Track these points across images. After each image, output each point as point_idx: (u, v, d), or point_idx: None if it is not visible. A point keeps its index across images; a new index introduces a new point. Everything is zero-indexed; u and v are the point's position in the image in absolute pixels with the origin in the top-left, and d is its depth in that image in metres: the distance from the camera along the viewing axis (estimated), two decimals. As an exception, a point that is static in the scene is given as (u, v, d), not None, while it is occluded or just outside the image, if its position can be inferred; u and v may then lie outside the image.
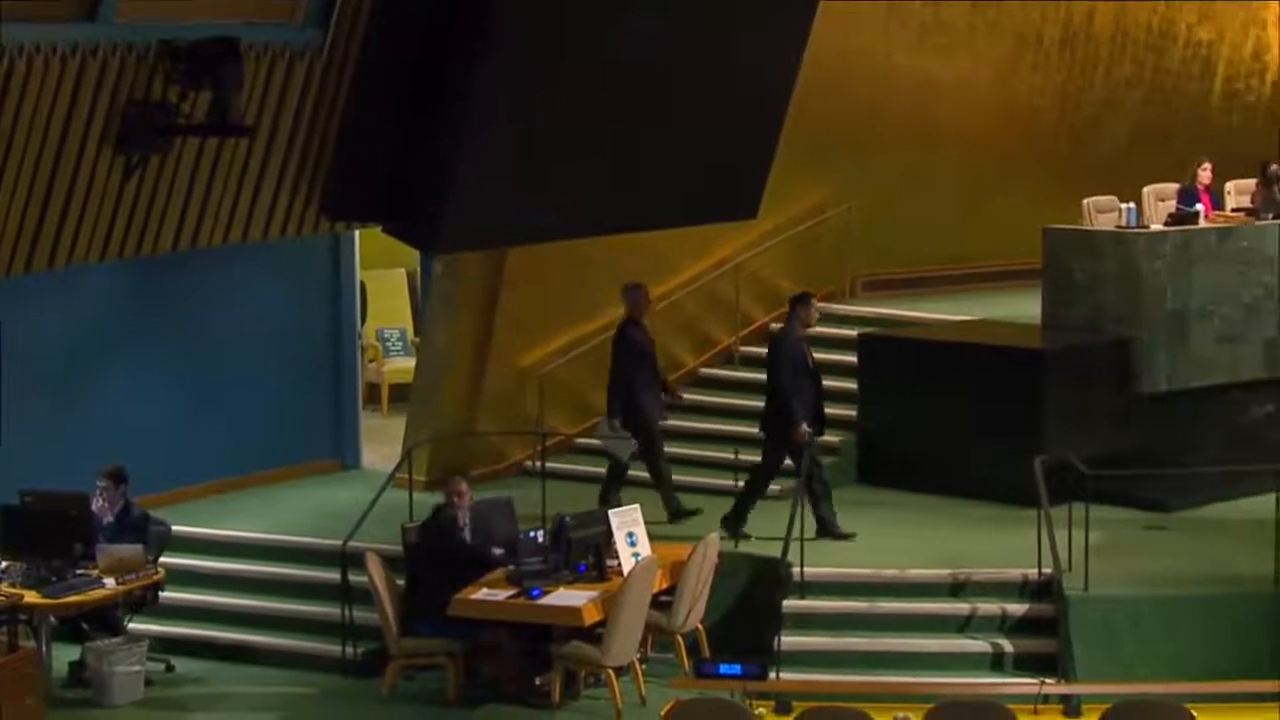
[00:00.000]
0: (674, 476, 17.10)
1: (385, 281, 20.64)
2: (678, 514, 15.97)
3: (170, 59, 12.32)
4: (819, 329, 18.97)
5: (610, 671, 13.81)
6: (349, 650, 14.91)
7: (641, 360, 16.10)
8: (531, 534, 14.53)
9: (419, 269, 20.35)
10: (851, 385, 17.61)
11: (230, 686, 14.69)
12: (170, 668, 14.94)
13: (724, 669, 11.87)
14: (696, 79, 15.00)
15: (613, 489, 16.17)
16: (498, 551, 14.48)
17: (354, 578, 14.81)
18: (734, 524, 15.46)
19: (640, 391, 16.05)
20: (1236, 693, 12.19)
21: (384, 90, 13.68)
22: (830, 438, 17.40)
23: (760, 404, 16.13)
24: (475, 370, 17.83)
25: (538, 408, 17.70)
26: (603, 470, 17.41)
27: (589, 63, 14.25)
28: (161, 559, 14.84)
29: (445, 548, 14.40)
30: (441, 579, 14.15)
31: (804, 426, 15.32)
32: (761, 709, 11.69)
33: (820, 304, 19.24)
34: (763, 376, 18.46)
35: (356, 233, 17.98)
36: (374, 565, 14.26)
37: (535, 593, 13.97)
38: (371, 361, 20.19)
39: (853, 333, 18.11)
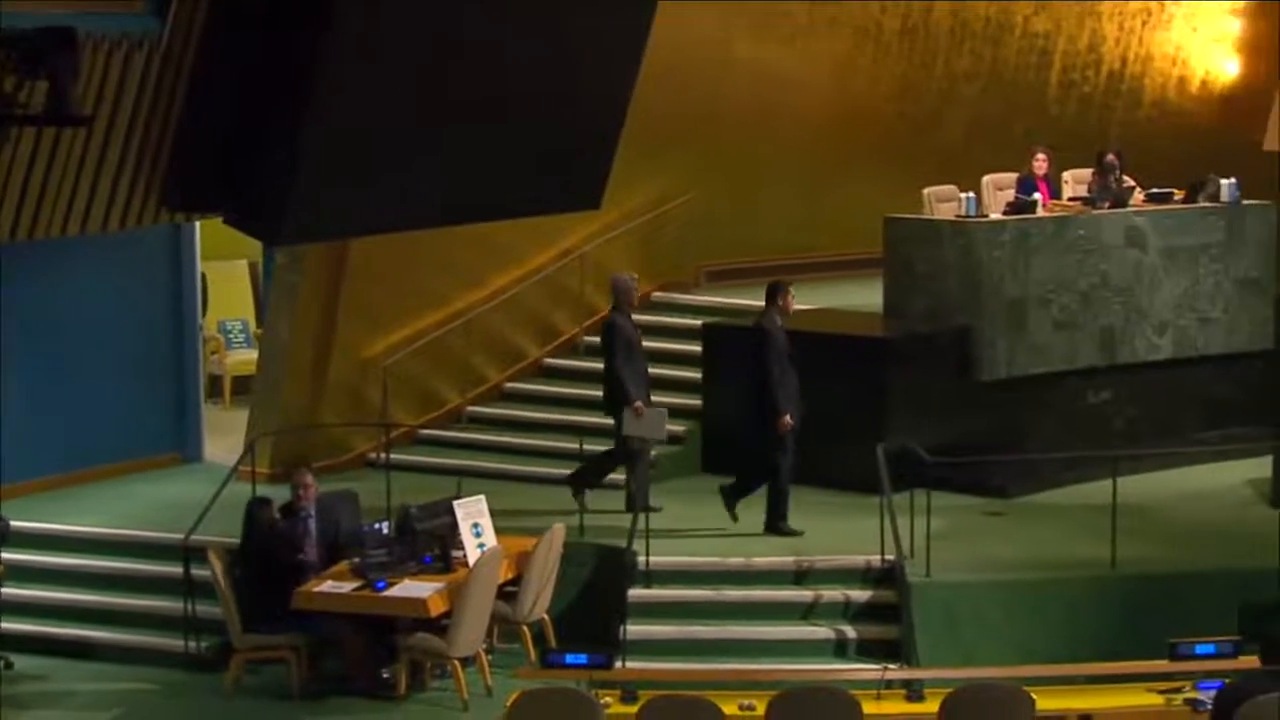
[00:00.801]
0: (520, 468, 17.16)
1: (227, 273, 20.47)
2: (645, 509, 15.89)
3: (5, 47, 12.15)
4: (663, 319, 19.11)
5: (456, 662, 13.79)
6: (192, 645, 14.79)
7: (629, 349, 15.96)
8: (376, 526, 14.48)
9: (261, 260, 20.19)
10: (696, 375, 17.68)
11: (72, 683, 14.52)
12: (9, 665, 14.75)
13: (570, 659, 11.87)
14: (538, 70, 15.00)
15: (639, 487, 15.78)
16: (311, 556, 14.36)
17: (196, 572, 14.69)
18: (775, 520, 15.43)
19: (631, 379, 15.82)
20: (1075, 675, 12.35)
21: (224, 80, 13.57)
22: (675, 427, 17.47)
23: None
24: (318, 362, 17.72)
25: (382, 399, 17.63)
26: (446, 461, 17.39)
27: (431, 54, 14.20)
28: (0, 554, 14.64)
29: (259, 551, 14.30)
30: (272, 576, 14.09)
31: (787, 418, 15.26)
32: (608, 698, 11.72)
33: (663, 294, 19.43)
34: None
35: (197, 224, 17.82)
36: (216, 559, 14.15)
37: (380, 585, 13.91)
38: (213, 353, 20.02)
39: (697, 322, 18.17)
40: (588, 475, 15.85)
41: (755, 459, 15.49)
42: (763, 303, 16.43)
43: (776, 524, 15.40)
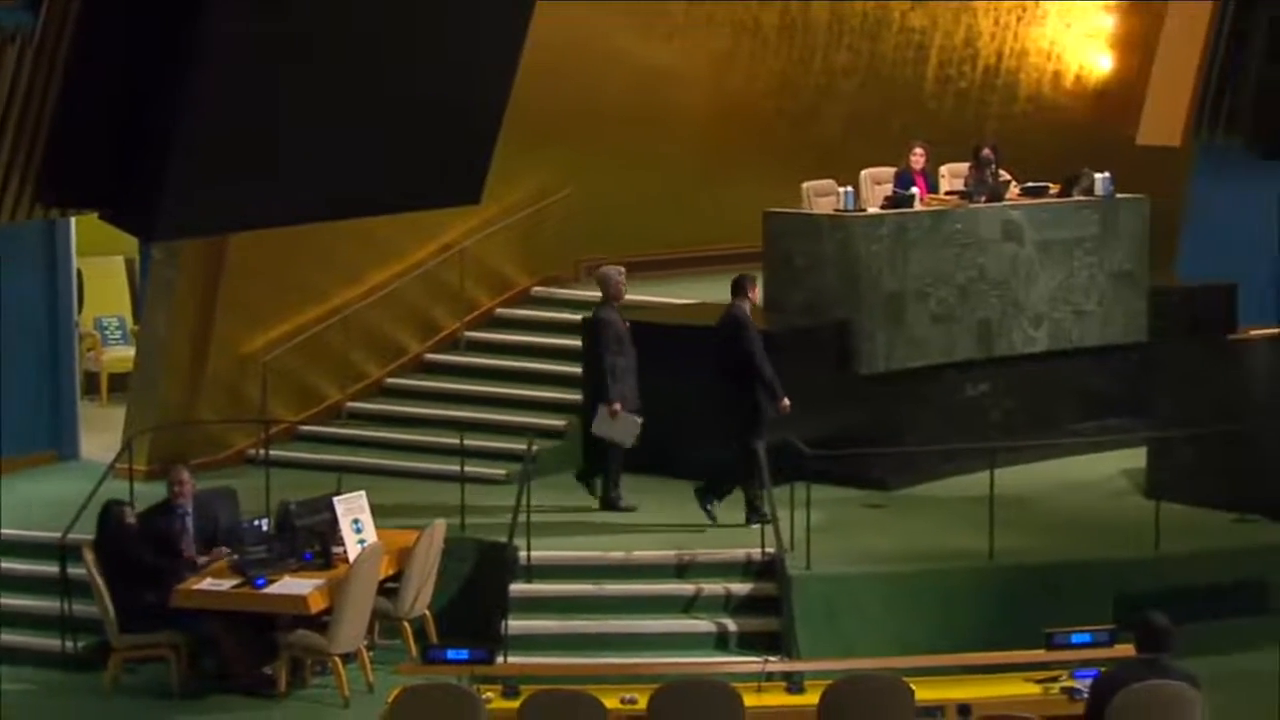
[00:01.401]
0: (401, 464, 17.13)
1: (103, 269, 20.27)
2: (613, 506, 15.85)
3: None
4: (544, 314, 19.12)
5: (337, 659, 13.74)
6: (69, 644, 14.65)
7: (619, 344, 15.85)
8: (255, 523, 14.40)
9: (138, 256, 20.02)
10: (576, 369, 17.68)
11: (-54, 684, 14.37)
12: (-117, 666, 14.58)
13: (451, 654, 11.85)
14: (418, 65, 14.96)
15: (612, 483, 15.82)
16: (188, 553, 14.26)
17: (73, 571, 14.55)
18: (754, 515, 15.36)
19: (620, 377, 15.73)
20: (953, 666, 12.44)
21: (98, 75, 13.45)
22: (556, 422, 17.50)
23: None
24: (196, 358, 17.61)
25: (261, 395, 17.53)
26: (326, 457, 17.32)
27: (309, 49, 14.14)
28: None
29: (113, 552, 14.18)
30: (134, 576, 14.00)
31: (786, 401, 15.28)
32: (489, 693, 11.70)
33: (544, 288, 19.42)
34: (494, 361, 18.54)
35: (73, 220, 17.65)
36: (92, 558, 14.02)
37: (260, 582, 13.84)
38: (90, 350, 19.83)
39: (577, 317, 18.16)
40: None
41: (727, 456, 15.41)
42: (644, 298, 16.50)
43: (761, 511, 15.37)
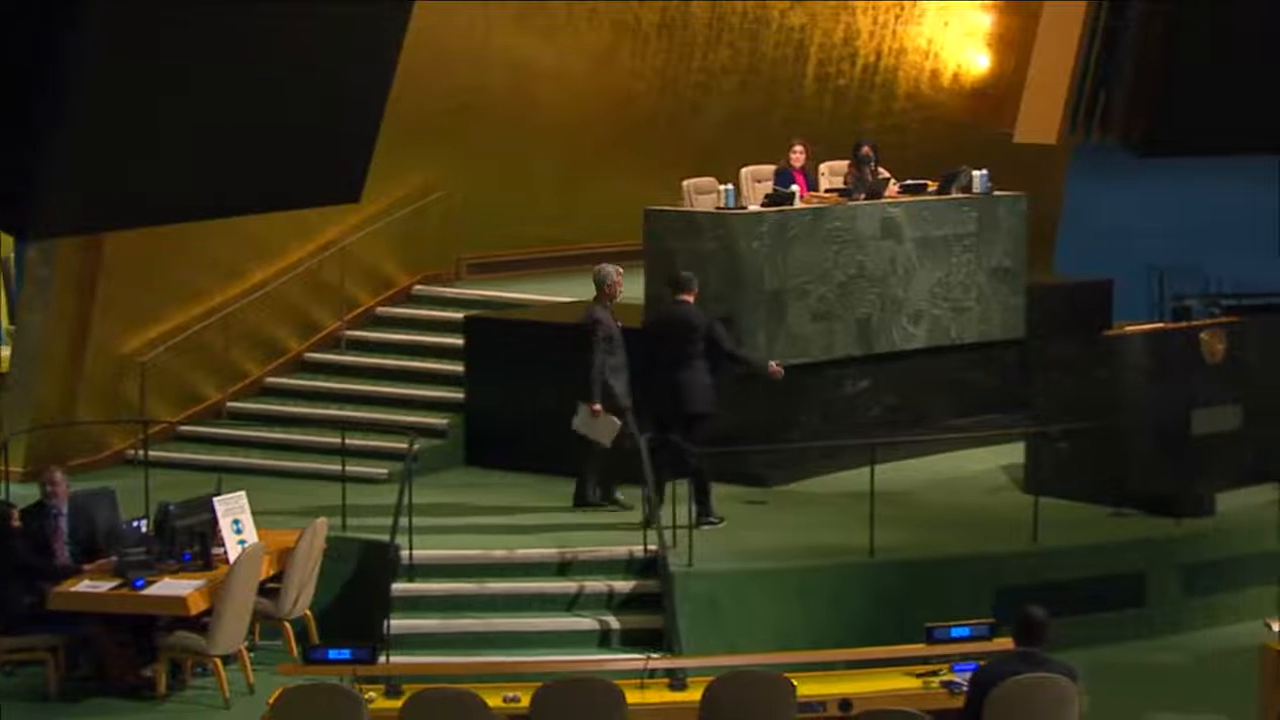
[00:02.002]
0: (282, 463, 17.05)
1: (-23, 268, 20.10)
2: (585, 503, 15.75)
3: None
4: (425, 312, 19.08)
5: (217, 660, 13.65)
6: (-56, 649, 14.48)
7: (609, 343, 15.69)
8: (134, 524, 14.28)
9: (12, 255, 19.82)
10: (458, 368, 17.67)
11: None
12: None
13: (333, 654, 11.81)
14: (296, 62, 14.86)
15: (590, 483, 15.73)
16: (62, 556, 14.13)
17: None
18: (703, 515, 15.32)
19: (609, 376, 15.56)
20: (835, 661, 12.51)
21: (-30, 72, 13.28)
22: (437, 420, 17.46)
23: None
24: (74, 359, 17.45)
25: (139, 396, 17.39)
26: (206, 458, 17.22)
27: (186, 45, 14.02)
28: None
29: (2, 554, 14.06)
30: (15, 577, 13.87)
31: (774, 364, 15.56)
32: (372, 693, 11.66)
33: (425, 287, 19.39)
34: (375, 360, 18.48)
35: (-54, 219, 17.44)
36: (-30, 560, 13.88)
37: (139, 583, 13.72)
38: (-36, 351, 19.63)
39: (459, 315, 18.15)
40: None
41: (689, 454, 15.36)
42: (526, 296, 16.44)
43: (711, 512, 15.38)
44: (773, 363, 15.62)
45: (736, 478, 16.31)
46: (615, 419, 15.48)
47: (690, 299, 15.53)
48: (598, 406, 15.43)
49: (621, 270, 16.01)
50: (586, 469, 15.73)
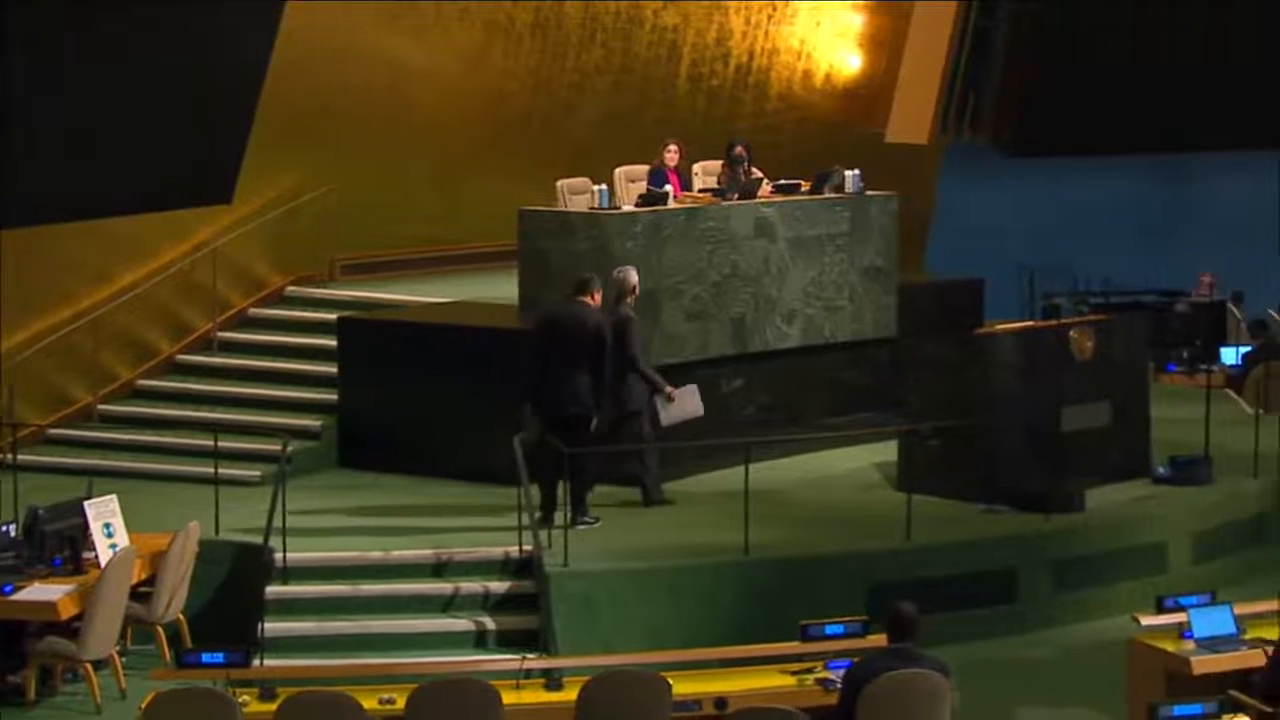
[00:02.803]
0: (154, 466, 16.93)
1: None
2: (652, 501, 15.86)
3: None
4: (297, 313, 18.97)
5: (88, 665, 13.52)
6: None
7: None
8: (3, 529, 14.12)
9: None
10: (332, 369, 17.59)
11: None
12: None
13: (206, 658, 11.72)
14: (167, 64, 14.78)
15: (651, 483, 15.81)
16: None
17: None
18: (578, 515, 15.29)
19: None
20: (710, 660, 12.55)
21: None
22: (311, 422, 17.38)
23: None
24: (-60, 362, 17.25)
25: (7, 399, 17.20)
26: (77, 461, 17.06)
27: (57, 47, 13.92)
28: None
29: None
30: None
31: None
32: (246, 696, 11.59)
33: (297, 288, 19.29)
34: (247, 362, 18.37)
35: None
36: None
37: (7, 589, 13.57)
38: None
39: (332, 316, 18.07)
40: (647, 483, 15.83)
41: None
42: (400, 297, 16.35)
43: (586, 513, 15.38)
44: (670, 388, 15.68)
45: (613, 478, 16.32)
46: (692, 385, 15.95)
47: (590, 300, 15.51)
48: (670, 389, 15.80)
49: (635, 269, 16.22)
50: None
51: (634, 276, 16.01)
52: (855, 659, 11.35)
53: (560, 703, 11.55)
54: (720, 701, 11.49)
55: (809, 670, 11.90)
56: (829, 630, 12.09)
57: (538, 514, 14.83)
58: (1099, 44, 21.39)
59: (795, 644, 12.13)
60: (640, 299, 16.98)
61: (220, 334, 18.75)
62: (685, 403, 15.93)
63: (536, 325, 15.66)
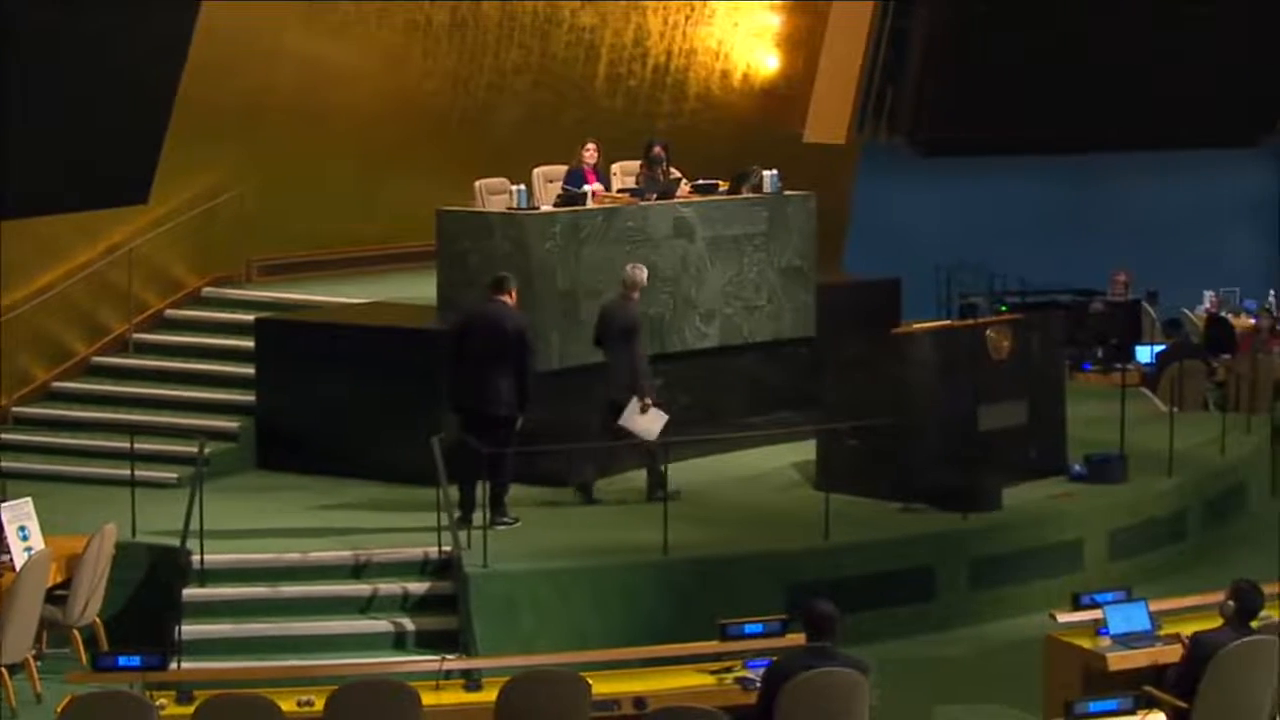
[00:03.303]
0: (69, 469, 16.84)
1: None
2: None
3: None
4: (214, 314, 18.88)
5: (3, 670, 13.41)
6: None
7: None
8: (-84, 532, 14.02)
9: None
10: (249, 370, 17.51)
11: None
12: None
13: (123, 661, 11.65)
14: (82, 63, 14.69)
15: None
16: None
17: None
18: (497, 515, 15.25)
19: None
20: (630, 659, 12.56)
21: None
22: (228, 424, 17.30)
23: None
24: None
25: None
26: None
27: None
28: None
29: None
30: None
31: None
32: (163, 700, 11.53)
33: (214, 289, 19.21)
34: (164, 363, 18.28)
35: None
36: None
37: (-78, 593, 13.48)
38: None
39: (249, 317, 18.00)
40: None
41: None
42: (318, 297, 16.27)
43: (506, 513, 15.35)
44: (650, 400, 15.91)
45: (532, 478, 16.32)
46: (662, 411, 15.94)
47: (507, 299, 15.49)
48: (649, 400, 15.86)
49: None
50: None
51: (642, 274, 16.30)
52: (774, 658, 11.38)
53: (479, 703, 11.54)
54: (640, 701, 11.50)
55: (728, 669, 11.92)
56: (748, 629, 12.11)
57: (456, 514, 14.82)
58: (1015, 45, 21.52)
59: (714, 643, 12.15)
60: (558, 298, 17.03)
61: (136, 335, 18.64)
62: (652, 421, 15.94)
63: (454, 325, 15.64)
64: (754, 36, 22.63)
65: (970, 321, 16.45)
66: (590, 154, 18.38)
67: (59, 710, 11.31)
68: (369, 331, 17.20)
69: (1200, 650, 11.32)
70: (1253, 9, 22.12)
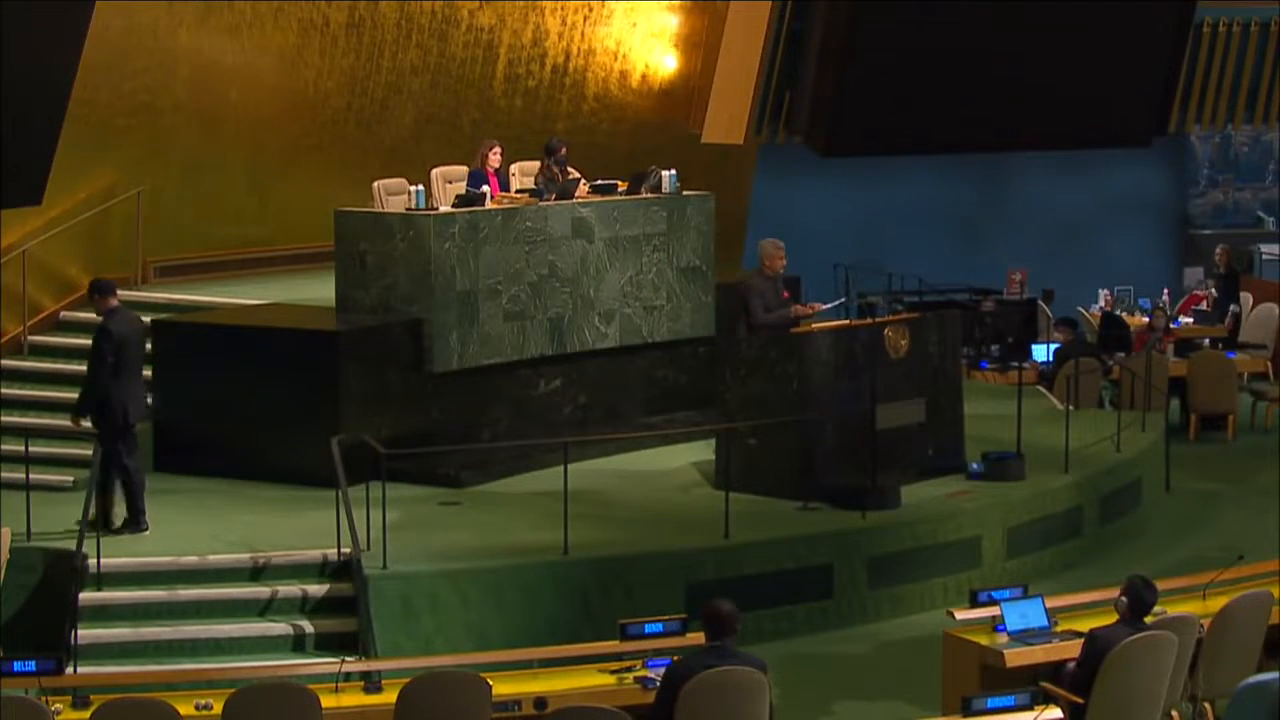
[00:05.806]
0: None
1: None
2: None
3: None
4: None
5: (-104, 677, 13.28)
6: None
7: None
8: None
9: None
10: (146, 372, 17.37)
11: None
12: None
13: (18, 666, 11.57)
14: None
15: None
16: None
17: None
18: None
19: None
20: (530, 660, 12.56)
21: None
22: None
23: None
24: None
25: None
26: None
27: None
28: None
29: None
30: None
31: None
32: (59, 704, 11.44)
33: (107, 292, 19.02)
34: (59, 365, 18.14)
35: None
36: None
37: None
38: None
39: (146, 319, 17.85)
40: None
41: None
42: (215, 299, 16.12)
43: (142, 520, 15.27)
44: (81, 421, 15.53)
45: (430, 479, 16.30)
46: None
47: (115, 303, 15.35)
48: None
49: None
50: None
51: (770, 248, 16.71)
52: (674, 657, 11.41)
53: (379, 705, 11.53)
54: (540, 701, 11.51)
55: (628, 669, 11.95)
56: (648, 629, 12.15)
57: (100, 523, 14.72)
58: (911, 45, 21.63)
59: (614, 643, 12.18)
60: (457, 299, 17.01)
61: (31, 337, 18.49)
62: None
63: (115, 334, 15.29)
64: (652, 37, 22.66)
65: (868, 320, 16.51)
66: (495, 156, 18.35)
67: (-48, 716, 11.21)
68: (267, 333, 17.10)
69: (1095, 646, 11.43)
70: (1145, 10, 22.33)
